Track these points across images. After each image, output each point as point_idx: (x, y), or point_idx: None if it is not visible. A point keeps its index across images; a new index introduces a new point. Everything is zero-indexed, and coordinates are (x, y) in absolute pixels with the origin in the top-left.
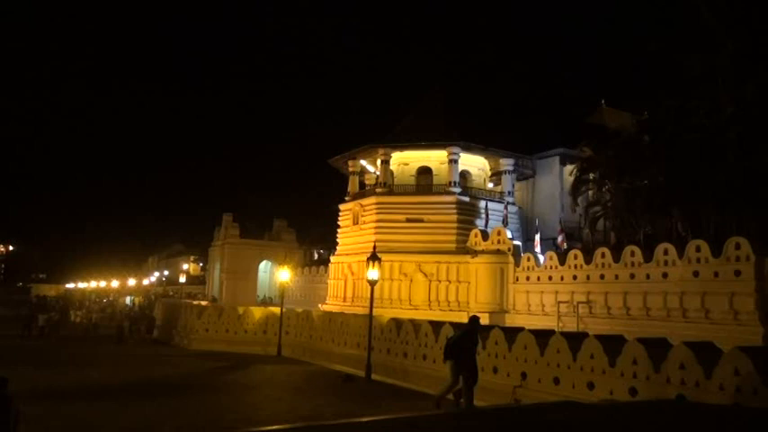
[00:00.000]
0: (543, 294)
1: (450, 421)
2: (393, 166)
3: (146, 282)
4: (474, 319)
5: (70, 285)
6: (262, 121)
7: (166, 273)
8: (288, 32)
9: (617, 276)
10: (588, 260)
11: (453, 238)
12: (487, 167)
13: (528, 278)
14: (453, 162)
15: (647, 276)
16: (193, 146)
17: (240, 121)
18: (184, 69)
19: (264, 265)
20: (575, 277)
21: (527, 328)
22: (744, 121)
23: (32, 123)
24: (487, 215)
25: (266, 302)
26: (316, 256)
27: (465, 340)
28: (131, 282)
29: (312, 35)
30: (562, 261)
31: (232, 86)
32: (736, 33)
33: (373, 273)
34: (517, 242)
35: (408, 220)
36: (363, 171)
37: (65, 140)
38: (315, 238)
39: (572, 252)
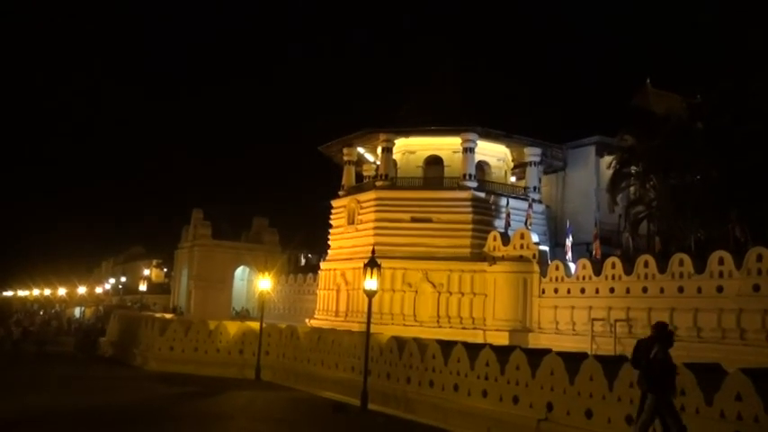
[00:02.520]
0: (574, 310)
1: None
2: (396, 155)
3: (99, 290)
4: (661, 327)
5: (8, 293)
6: (237, 101)
7: (123, 279)
8: None
9: (662, 290)
10: (628, 270)
11: (467, 241)
12: (509, 158)
13: (556, 290)
14: (469, 151)
15: (699, 290)
16: (156, 131)
17: (212, 103)
18: (143, 50)
19: (241, 272)
20: (612, 290)
21: (554, 350)
22: None
23: None
24: (508, 215)
25: (243, 316)
26: (303, 261)
27: (666, 356)
28: (81, 289)
29: None
30: (597, 271)
31: (201, 60)
32: None
33: (371, 282)
34: (544, 247)
35: (414, 220)
36: (361, 161)
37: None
38: (302, 241)
39: (609, 260)
